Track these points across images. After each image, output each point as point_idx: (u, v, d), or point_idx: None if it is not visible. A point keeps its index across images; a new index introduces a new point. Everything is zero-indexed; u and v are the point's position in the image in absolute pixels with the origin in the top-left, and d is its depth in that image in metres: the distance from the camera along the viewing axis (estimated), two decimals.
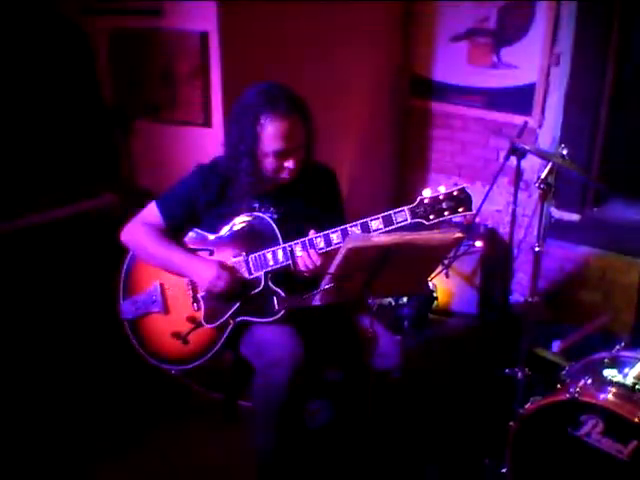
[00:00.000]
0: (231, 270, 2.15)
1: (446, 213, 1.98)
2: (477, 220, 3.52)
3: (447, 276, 3.39)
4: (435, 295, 3.52)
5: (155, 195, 2.29)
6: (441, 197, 1.98)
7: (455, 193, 1.98)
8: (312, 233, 2.07)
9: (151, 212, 2.24)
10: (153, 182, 2.92)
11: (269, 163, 2.12)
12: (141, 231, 2.23)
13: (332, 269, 1.86)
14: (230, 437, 2.61)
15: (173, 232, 2.24)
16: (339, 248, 1.84)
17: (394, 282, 2.00)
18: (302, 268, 2.06)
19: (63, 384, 2.83)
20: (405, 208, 2.00)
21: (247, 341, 2.23)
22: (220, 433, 2.65)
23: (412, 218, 1.99)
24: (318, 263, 2.04)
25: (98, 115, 3.13)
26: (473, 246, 3.47)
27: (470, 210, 1.98)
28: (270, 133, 2.06)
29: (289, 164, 2.11)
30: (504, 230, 3.82)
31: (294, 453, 2.26)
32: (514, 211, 3.10)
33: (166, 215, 2.22)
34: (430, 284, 3.39)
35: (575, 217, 3.57)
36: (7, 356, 2.71)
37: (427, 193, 1.99)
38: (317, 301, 1.96)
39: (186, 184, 2.24)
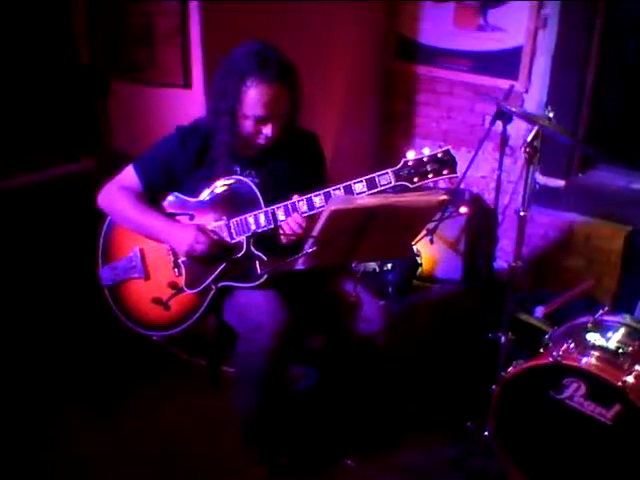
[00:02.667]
0: (210, 233, 2.11)
1: (430, 175, 1.95)
2: (462, 186, 3.49)
3: (432, 242, 3.36)
4: (419, 262, 3.51)
5: (133, 158, 2.23)
6: (425, 159, 1.95)
7: (439, 155, 1.95)
8: (295, 197, 2.04)
9: (128, 175, 2.19)
10: (131, 145, 2.85)
11: (247, 126, 2.07)
12: (118, 195, 2.18)
13: (315, 232, 1.83)
14: (213, 402, 2.60)
15: (151, 196, 2.19)
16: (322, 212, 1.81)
17: (378, 246, 1.98)
18: (287, 232, 2.03)
19: (45, 348, 2.81)
20: (389, 170, 1.97)
21: (230, 306, 2.21)
22: (204, 398, 2.64)
23: (396, 181, 1.96)
24: (303, 225, 2.00)
25: (75, 74, 3.03)
26: (457, 212, 3.45)
27: (455, 172, 1.95)
28: (253, 97, 2.01)
29: (267, 130, 2.07)
30: (489, 196, 3.80)
31: (277, 417, 2.26)
32: (499, 177, 3.07)
33: (144, 178, 2.17)
34: (414, 249, 3.37)
35: (560, 183, 3.55)
36: None
37: (411, 155, 1.96)
38: (300, 265, 1.93)
39: (164, 146, 2.18)
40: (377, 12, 3.80)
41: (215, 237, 2.11)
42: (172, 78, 2.90)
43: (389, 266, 3.39)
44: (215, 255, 2.11)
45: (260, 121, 2.05)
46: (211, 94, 2.16)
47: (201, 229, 2.11)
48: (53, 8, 2.96)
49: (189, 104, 2.81)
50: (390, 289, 3.38)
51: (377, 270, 3.40)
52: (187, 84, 2.89)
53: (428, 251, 3.50)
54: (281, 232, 2.05)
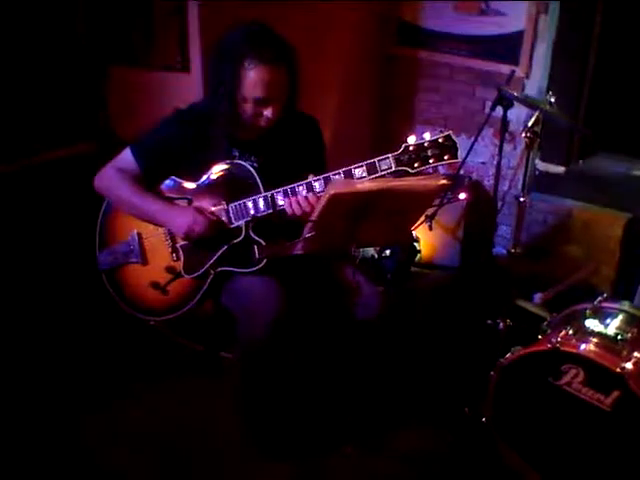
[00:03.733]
0: (209, 216, 2.09)
1: (431, 161, 1.93)
2: (461, 172, 3.48)
3: (430, 229, 3.35)
4: (418, 248, 3.50)
5: (131, 141, 2.21)
6: (426, 144, 1.93)
7: (440, 140, 1.93)
8: (311, 177, 2.01)
9: (126, 158, 2.16)
10: (129, 129, 2.83)
11: (248, 108, 2.04)
12: (115, 177, 2.16)
13: (314, 216, 1.82)
14: (213, 388, 2.60)
15: (149, 179, 2.17)
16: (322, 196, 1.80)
17: (378, 231, 1.97)
18: (297, 213, 1.99)
19: (42, 335, 2.79)
20: (389, 155, 1.95)
21: (228, 291, 2.20)
22: (203, 384, 2.64)
23: (397, 166, 1.94)
24: (313, 202, 1.95)
25: (73, 56, 2.99)
26: (457, 198, 3.44)
27: (456, 158, 1.93)
28: (252, 79, 1.99)
29: (268, 112, 2.04)
30: (488, 183, 3.79)
31: (277, 405, 2.26)
32: (499, 163, 3.06)
33: (141, 161, 2.15)
34: (414, 235, 3.36)
35: (560, 170, 3.54)
36: None
37: (412, 140, 1.94)
38: (299, 250, 1.92)
39: (163, 129, 2.16)
40: None
41: (213, 218, 2.09)
42: (170, 61, 2.88)
43: (387, 252, 3.39)
44: (214, 237, 2.10)
45: (260, 103, 2.03)
46: (209, 78, 2.14)
47: (199, 210, 2.09)
48: None
49: (187, 87, 2.78)
50: (388, 275, 3.38)
51: (375, 256, 3.39)
52: (185, 67, 2.86)
53: (427, 237, 3.49)
54: (289, 212, 2.00)
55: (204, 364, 2.66)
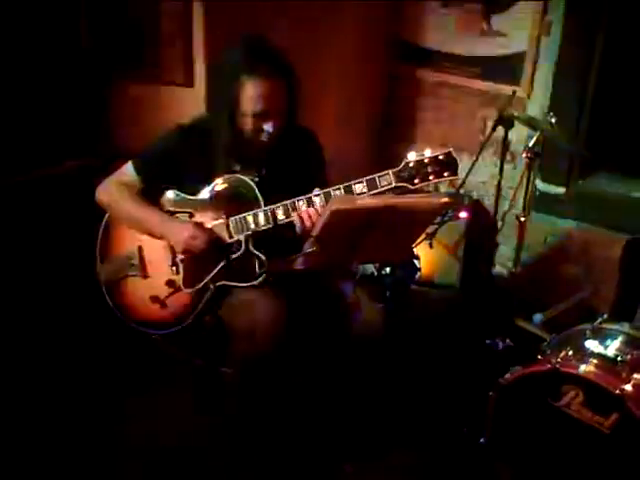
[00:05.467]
0: (208, 230, 2.09)
1: (431, 177, 1.93)
2: (462, 191, 3.49)
3: (431, 247, 3.35)
4: (418, 266, 3.50)
5: (133, 156, 2.22)
6: (426, 160, 1.93)
7: (441, 157, 1.93)
8: (316, 191, 2.00)
9: (126, 171, 2.17)
10: (132, 143, 2.84)
11: (248, 123, 2.05)
12: (115, 190, 2.17)
13: (315, 232, 1.82)
14: (211, 403, 2.57)
15: (150, 193, 2.18)
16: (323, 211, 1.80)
17: (378, 247, 1.97)
18: (307, 222, 1.97)
19: (42, 346, 2.79)
20: (390, 171, 1.95)
21: (227, 306, 2.19)
22: (200, 399, 2.61)
23: (397, 182, 1.94)
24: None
25: (77, 69, 3.02)
26: (457, 217, 3.44)
27: (456, 175, 1.93)
28: (249, 93, 2.00)
29: (268, 127, 2.05)
30: (488, 202, 3.79)
31: (274, 421, 2.24)
32: (499, 182, 3.07)
33: (142, 175, 2.16)
34: (415, 252, 3.35)
35: (560, 190, 3.55)
36: None
37: (412, 156, 1.94)
38: (299, 265, 1.91)
39: (164, 143, 2.18)
40: (380, 15, 3.79)
41: (213, 234, 2.09)
42: (174, 76, 2.90)
43: (387, 270, 3.38)
44: (212, 253, 2.09)
45: (259, 117, 2.03)
46: (209, 95, 2.16)
47: (198, 225, 2.09)
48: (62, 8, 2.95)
49: (191, 102, 2.79)
50: (388, 293, 3.37)
51: (375, 274, 3.39)
52: (189, 82, 2.89)
53: (427, 255, 3.49)
54: (299, 223, 1.99)
55: (203, 379, 2.64)
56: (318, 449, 2.39)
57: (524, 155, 2.50)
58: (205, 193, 2.15)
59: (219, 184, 2.13)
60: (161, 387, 2.73)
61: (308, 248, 1.86)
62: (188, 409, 2.60)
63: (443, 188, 2.88)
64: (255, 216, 2.06)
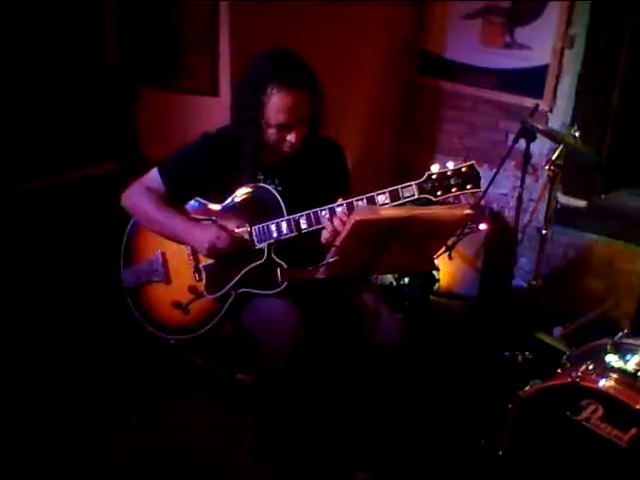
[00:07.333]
0: (231, 232, 2.12)
1: (454, 190, 1.94)
2: (482, 203, 3.49)
3: (450, 258, 3.36)
4: (437, 277, 3.50)
5: (158, 162, 2.25)
6: (449, 173, 1.94)
7: (464, 169, 1.94)
8: (339, 200, 2.01)
9: (153, 177, 2.20)
10: (158, 151, 2.88)
11: (272, 134, 2.08)
12: (141, 195, 2.20)
13: (338, 242, 1.83)
14: (230, 409, 2.60)
15: (175, 199, 2.21)
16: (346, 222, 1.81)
17: (400, 258, 1.98)
18: (337, 227, 1.95)
19: (64, 351, 2.81)
20: (413, 183, 1.96)
21: (248, 313, 2.21)
22: (220, 405, 2.64)
23: (419, 193, 1.95)
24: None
25: (103, 77, 3.06)
26: (477, 229, 3.45)
27: (478, 187, 1.94)
28: (275, 104, 2.02)
29: (291, 137, 2.07)
30: (509, 214, 3.79)
31: (292, 429, 2.25)
32: (520, 195, 3.07)
33: (167, 181, 2.18)
34: (436, 263, 3.36)
35: (582, 204, 3.54)
36: (8, 319, 2.69)
37: (435, 168, 1.95)
38: (321, 274, 1.93)
39: (189, 152, 2.21)
40: (403, 27, 3.82)
41: (237, 236, 2.11)
42: (200, 85, 2.93)
43: (406, 280, 3.39)
44: (236, 258, 2.12)
45: (283, 128, 2.06)
46: (234, 105, 2.18)
47: (222, 227, 2.12)
48: (87, 14, 3.00)
49: (216, 111, 2.82)
50: (406, 303, 3.38)
51: (394, 283, 3.39)
52: (215, 92, 2.92)
53: (446, 267, 3.49)
54: (329, 230, 1.99)
55: (220, 385, 2.66)
56: (333, 457, 2.39)
57: (547, 168, 2.50)
58: (229, 201, 2.17)
59: (243, 193, 2.15)
60: (178, 391, 2.75)
61: (330, 258, 1.88)
62: (204, 414, 2.63)
63: (464, 200, 2.88)
64: (278, 225, 2.08)
